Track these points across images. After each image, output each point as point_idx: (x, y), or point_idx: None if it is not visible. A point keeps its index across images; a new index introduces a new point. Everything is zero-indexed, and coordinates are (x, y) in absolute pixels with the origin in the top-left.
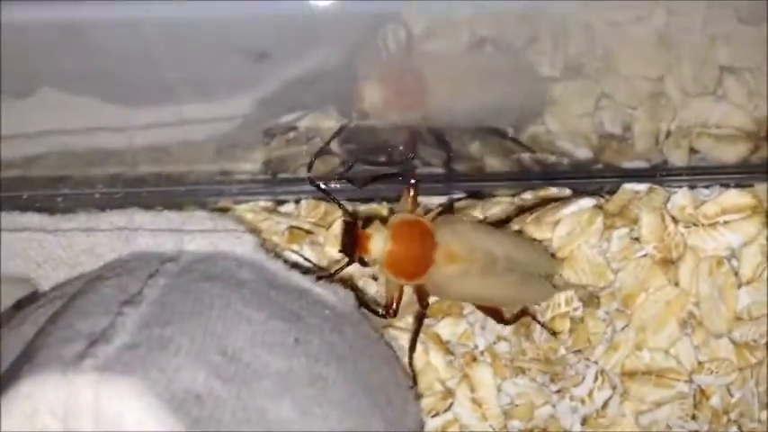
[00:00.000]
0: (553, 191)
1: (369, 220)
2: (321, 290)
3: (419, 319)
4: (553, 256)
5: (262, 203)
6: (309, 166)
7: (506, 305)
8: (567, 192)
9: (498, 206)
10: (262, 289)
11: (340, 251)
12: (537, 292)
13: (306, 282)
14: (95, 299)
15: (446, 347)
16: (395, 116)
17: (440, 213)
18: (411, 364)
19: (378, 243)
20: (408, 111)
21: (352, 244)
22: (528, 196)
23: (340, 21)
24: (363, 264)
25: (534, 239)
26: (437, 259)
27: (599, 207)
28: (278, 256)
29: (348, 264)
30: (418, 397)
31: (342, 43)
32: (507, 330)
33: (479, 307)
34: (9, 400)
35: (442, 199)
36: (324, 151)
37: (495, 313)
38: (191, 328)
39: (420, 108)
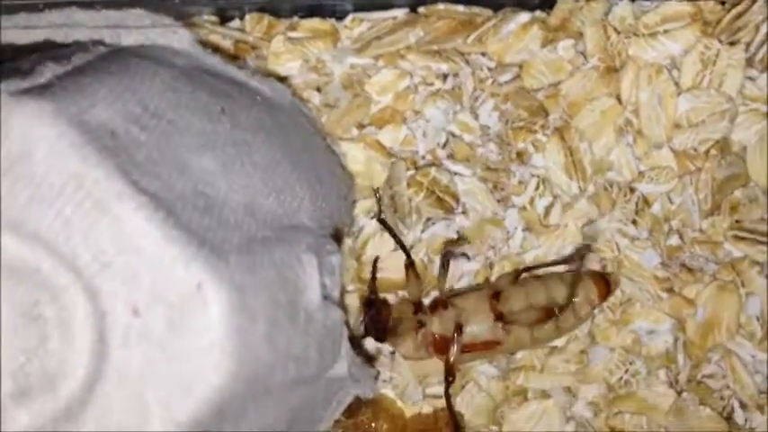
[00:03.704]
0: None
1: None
2: (257, 83)
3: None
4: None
5: (206, 17)
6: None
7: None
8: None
9: (442, 21)
10: (194, 72)
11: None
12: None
13: (242, 75)
14: (21, 62)
15: (388, 153)
16: None
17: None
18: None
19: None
20: None
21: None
22: (461, 9)
23: None
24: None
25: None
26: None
27: (541, 21)
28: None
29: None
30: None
31: None
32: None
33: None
34: None
35: (384, 14)
36: None
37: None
38: (111, 83)
39: None
